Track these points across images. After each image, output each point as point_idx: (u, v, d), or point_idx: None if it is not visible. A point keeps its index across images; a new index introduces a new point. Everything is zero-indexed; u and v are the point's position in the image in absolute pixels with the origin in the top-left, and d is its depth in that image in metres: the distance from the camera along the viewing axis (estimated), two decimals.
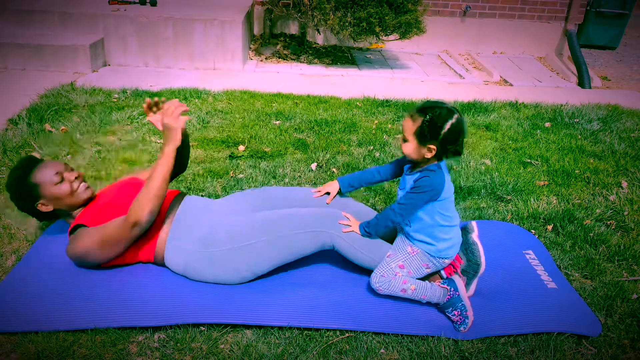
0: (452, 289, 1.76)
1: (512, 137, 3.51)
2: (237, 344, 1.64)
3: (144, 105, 1.94)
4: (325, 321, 1.72)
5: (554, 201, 2.68)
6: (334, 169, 2.87)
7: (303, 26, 5.54)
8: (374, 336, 1.70)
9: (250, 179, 2.68)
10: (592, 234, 2.36)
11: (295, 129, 3.38)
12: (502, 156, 3.18)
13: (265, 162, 2.89)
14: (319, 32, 5.67)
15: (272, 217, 1.85)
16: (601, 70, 5.79)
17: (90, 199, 1.94)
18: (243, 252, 1.79)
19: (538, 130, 3.64)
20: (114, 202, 1.88)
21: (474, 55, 5.86)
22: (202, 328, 1.69)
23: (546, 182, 2.88)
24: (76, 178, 1.90)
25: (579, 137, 3.57)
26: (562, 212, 2.53)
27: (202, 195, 2.49)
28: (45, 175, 1.85)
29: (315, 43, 5.77)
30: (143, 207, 1.71)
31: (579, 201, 2.69)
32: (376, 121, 3.63)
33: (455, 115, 1.62)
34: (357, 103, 3.97)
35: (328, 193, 2.04)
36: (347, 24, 4.51)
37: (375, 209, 2.35)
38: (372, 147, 3.17)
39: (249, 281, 1.87)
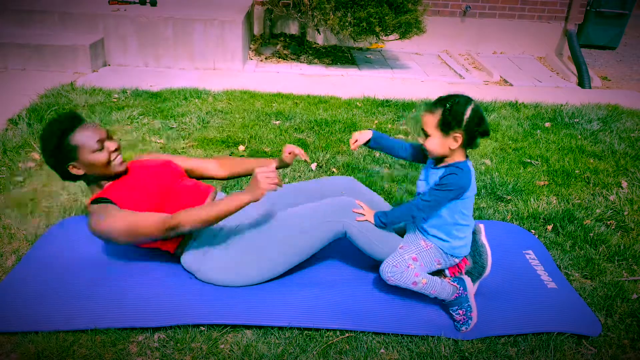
0: (462, 288, 1.75)
1: (512, 137, 3.50)
2: (237, 344, 1.64)
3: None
4: (325, 321, 1.72)
5: (554, 201, 2.68)
6: (334, 169, 2.87)
7: (303, 26, 5.54)
8: (374, 336, 1.70)
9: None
10: (592, 234, 2.36)
11: (295, 129, 3.38)
12: (502, 156, 3.18)
13: None
14: (319, 32, 5.67)
15: (291, 213, 1.87)
16: (601, 70, 5.79)
17: (123, 173, 1.88)
18: (265, 251, 1.81)
19: (538, 130, 3.64)
20: (147, 187, 1.82)
21: (474, 55, 5.86)
22: (202, 328, 1.69)
23: (546, 182, 2.88)
24: (116, 149, 1.82)
25: (579, 137, 3.57)
26: (562, 212, 2.53)
27: None
28: (87, 140, 1.74)
29: (315, 43, 5.77)
30: (190, 222, 1.69)
31: (579, 201, 2.69)
32: (376, 121, 3.63)
33: (473, 101, 1.63)
34: (357, 103, 3.97)
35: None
36: (347, 24, 4.51)
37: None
38: None
39: (266, 281, 1.87)
